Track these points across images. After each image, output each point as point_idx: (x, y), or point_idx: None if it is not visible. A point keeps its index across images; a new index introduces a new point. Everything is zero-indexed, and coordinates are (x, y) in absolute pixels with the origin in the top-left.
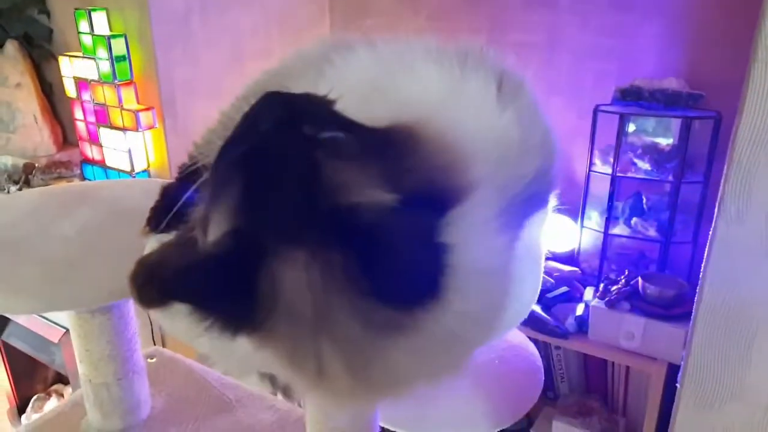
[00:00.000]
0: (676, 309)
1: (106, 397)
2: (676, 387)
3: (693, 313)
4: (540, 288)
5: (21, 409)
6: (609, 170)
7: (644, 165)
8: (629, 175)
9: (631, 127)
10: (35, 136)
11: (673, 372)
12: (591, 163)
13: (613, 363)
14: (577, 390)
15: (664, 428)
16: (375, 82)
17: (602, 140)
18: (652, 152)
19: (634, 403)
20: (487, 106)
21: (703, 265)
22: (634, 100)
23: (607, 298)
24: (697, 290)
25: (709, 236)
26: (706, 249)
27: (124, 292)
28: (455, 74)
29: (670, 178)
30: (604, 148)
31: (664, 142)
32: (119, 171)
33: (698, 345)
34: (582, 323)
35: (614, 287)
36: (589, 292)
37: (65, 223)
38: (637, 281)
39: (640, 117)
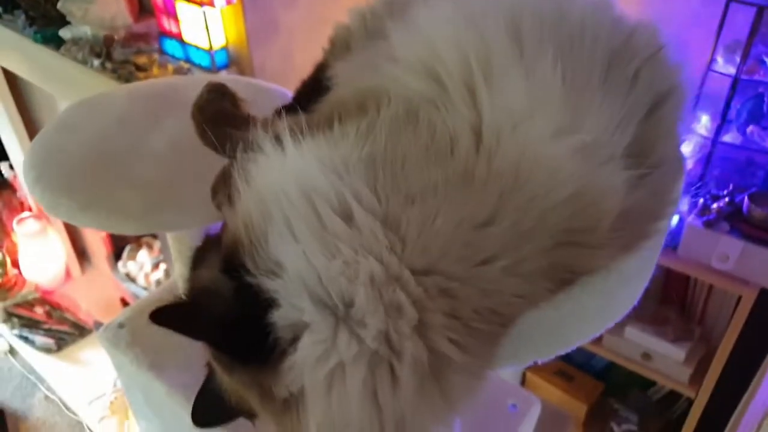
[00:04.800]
0: None
1: None
2: (763, 312)
3: None
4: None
5: (116, 256)
6: (732, 70)
7: None
8: (755, 77)
9: None
10: (112, 6)
11: (765, 296)
12: (712, 60)
13: (696, 278)
14: (654, 298)
15: (742, 349)
16: None
17: (729, 35)
18: None
19: (713, 314)
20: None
21: None
22: None
23: (705, 217)
24: None
25: None
26: None
27: (217, 216)
28: (581, 101)
29: None
30: (730, 44)
31: None
32: (197, 47)
33: None
34: (673, 236)
35: (715, 205)
36: (684, 202)
37: (155, 137)
38: (742, 199)
39: None
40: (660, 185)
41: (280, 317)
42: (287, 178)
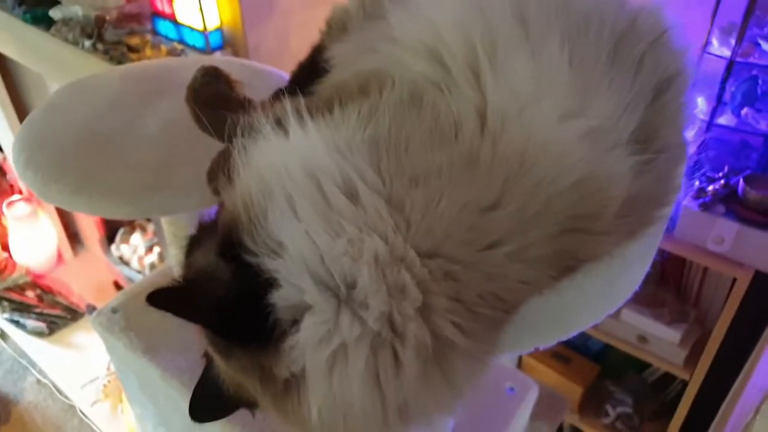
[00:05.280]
0: None
1: None
2: (758, 294)
3: None
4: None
5: (109, 239)
6: (727, 53)
7: None
8: (750, 60)
9: (764, 1)
10: None
11: (759, 279)
12: (707, 43)
13: (691, 260)
14: (650, 280)
15: (737, 331)
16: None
17: (724, 17)
18: None
19: (708, 296)
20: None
21: None
22: None
23: (701, 199)
24: None
25: None
26: None
27: (213, 200)
28: (589, 85)
29: None
30: (726, 27)
31: None
32: (191, 28)
33: None
34: (669, 219)
35: (711, 187)
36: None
37: (148, 119)
38: (737, 182)
39: None
40: (664, 171)
41: (280, 298)
42: (290, 157)
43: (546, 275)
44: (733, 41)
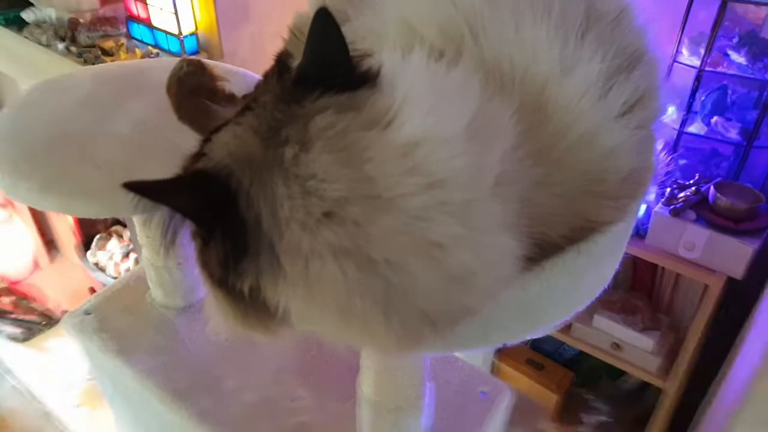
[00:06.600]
0: (746, 224)
1: (168, 279)
2: (728, 301)
3: None
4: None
5: (86, 246)
6: (697, 62)
7: (739, 58)
8: (719, 69)
9: (732, 13)
10: None
11: (731, 285)
12: (677, 53)
13: (664, 267)
14: (622, 287)
15: (710, 338)
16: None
17: (694, 27)
18: (751, 43)
19: (680, 303)
20: (589, 102)
21: None
22: None
23: (672, 206)
24: None
25: None
26: None
27: None
28: (567, 49)
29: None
30: (695, 37)
31: None
32: (166, 33)
33: None
34: (640, 225)
35: (682, 194)
36: (651, 192)
37: (119, 118)
38: (708, 189)
39: (745, 4)
40: (644, 148)
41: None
42: None
43: (562, 227)
44: (702, 51)
